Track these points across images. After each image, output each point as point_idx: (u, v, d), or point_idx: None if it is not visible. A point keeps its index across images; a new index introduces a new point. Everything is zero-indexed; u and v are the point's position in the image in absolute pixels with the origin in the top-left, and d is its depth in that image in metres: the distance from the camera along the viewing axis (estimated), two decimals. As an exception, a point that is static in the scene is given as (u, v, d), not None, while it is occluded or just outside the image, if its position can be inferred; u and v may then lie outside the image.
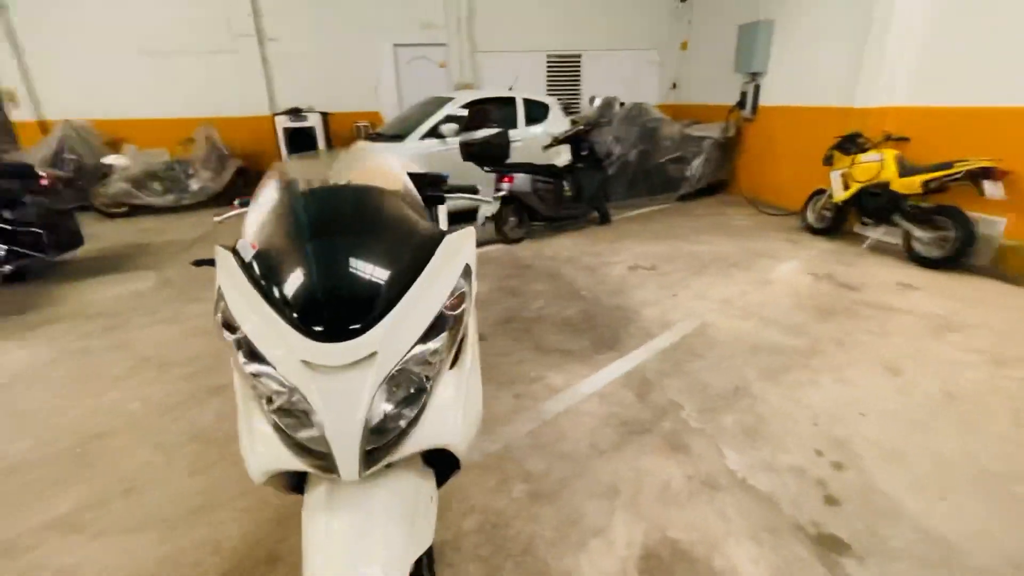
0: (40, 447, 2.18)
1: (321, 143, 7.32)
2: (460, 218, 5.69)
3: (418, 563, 1.23)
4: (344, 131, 7.73)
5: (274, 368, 0.96)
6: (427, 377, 1.06)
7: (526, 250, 4.86)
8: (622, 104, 7.03)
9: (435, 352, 1.06)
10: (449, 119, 5.40)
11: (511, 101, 6.06)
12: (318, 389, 0.94)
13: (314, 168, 1.14)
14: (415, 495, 1.14)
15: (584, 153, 5.53)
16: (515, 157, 5.40)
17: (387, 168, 1.38)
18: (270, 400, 0.98)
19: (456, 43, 8.03)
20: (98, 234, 5.56)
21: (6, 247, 3.85)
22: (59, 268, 4.48)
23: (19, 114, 7.12)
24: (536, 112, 6.28)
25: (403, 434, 1.03)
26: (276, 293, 0.99)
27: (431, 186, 1.70)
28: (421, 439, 1.06)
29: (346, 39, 7.69)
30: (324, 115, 7.37)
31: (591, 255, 4.65)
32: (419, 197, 1.45)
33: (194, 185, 7.06)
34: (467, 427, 1.15)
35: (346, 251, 1.03)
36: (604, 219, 5.80)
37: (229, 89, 7.49)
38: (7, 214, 3.96)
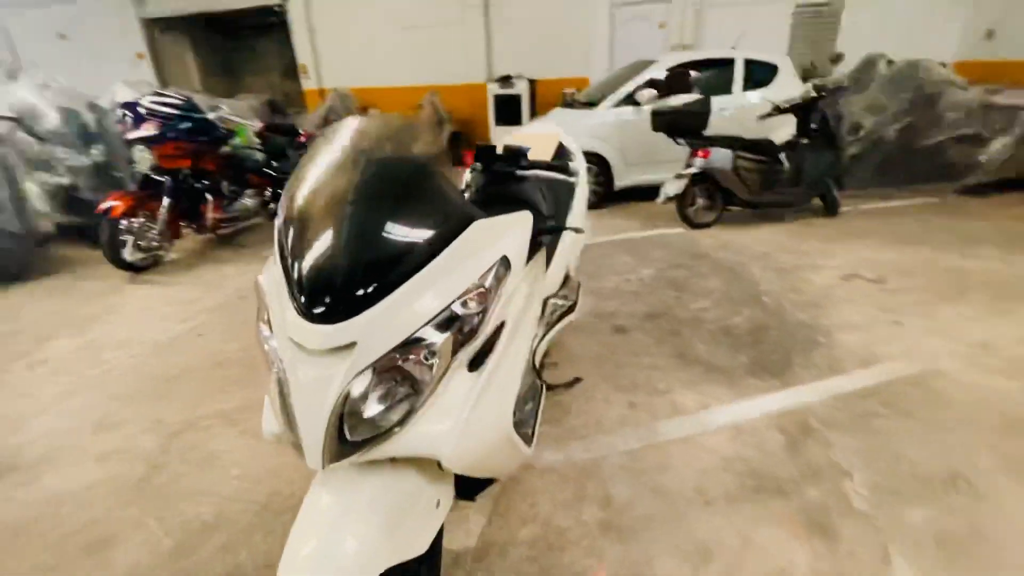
0: (244, 350, 2.76)
1: (526, 110, 7.52)
2: (639, 194, 5.26)
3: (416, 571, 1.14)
4: (553, 98, 7.78)
5: (274, 337, 0.95)
6: (422, 378, 0.93)
7: (710, 238, 4.22)
8: (890, 62, 5.44)
9: (434, 352, 0.92)
10: (650, 84, 4.91)
11: (728, 63, 5.22)
12: (298, 370, 0.90)
13: (356, 137, 1.07)
14: (412, 497, 1.03)
15: (814, 126, 4.46)
16: (726, 128, 4.70)
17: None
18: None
19: (681, -2, 7.23)
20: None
21: (271, 190, 4.93)
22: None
23: (308, 84, 9.01)
24: (760, 74, 5.30)
25: (389, 433, 0.93)
26: (288, 263, 0.96)
27: (505, 161, 1.48)
28: (406, 443, 0.94)
29: (565, 2, 7.60)
30: (531, 82, 7.51)
31: (793, 253, 3.79)
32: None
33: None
34: (467, 440, 0.99)
35: (352, 229, 0.93)
36: (830, 209, 4.67)
37: (454, 58, 8.17)
38: (274, 163, 5.06)
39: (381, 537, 0.96)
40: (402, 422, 0.93)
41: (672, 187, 4.31)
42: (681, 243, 4.12)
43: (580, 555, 1.50)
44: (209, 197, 4.20)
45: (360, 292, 0.88)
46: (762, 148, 4.39)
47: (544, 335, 1.85)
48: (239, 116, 6.04)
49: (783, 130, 4.79)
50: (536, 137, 2.37)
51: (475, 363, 1.05)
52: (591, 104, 5.28)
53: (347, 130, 1.09)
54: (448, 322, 0.94)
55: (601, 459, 1.86)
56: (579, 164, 2.35)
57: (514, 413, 1.45)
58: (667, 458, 1.85)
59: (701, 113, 4.15)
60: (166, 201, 3.92)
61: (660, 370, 2.40)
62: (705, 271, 3.53)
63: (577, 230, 1.75)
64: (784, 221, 4.57)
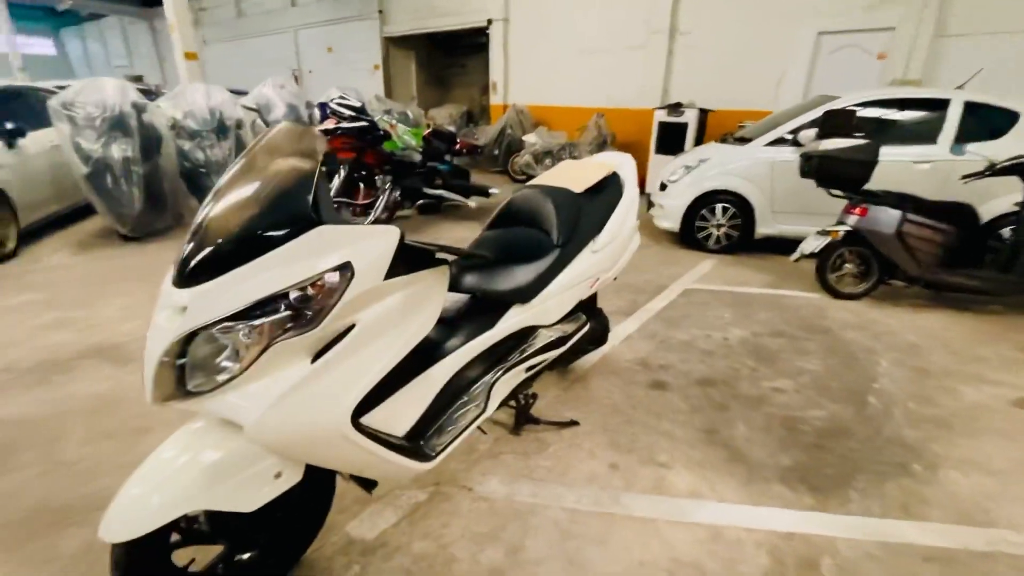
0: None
1: (690, 140, 7.09)
2: (784, 247, 4.56)
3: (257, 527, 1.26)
4: (728, 130, 7.21)
5: None
6: (236, 350, 1.04)
7: (847, 312, 3.48)
8: None
9: (250, 328, 1.02)
10: (818, 123, 4.23)
11: (941, 105, 4.20)
12: (153, 320, 1.08)
13: (261, 143, 1.22)
14: (248, 460, 1.15)
15: (1049, 196, 3.35)
16: (925, 185, 3.87)
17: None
18: None
19: (911, 25, 6.03)
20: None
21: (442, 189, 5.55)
22: (455, 211, 6.12)
23: (495, 99, 9.86)
24: (991, 123, 4.15)
25: (212, 392, 1.06)
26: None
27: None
28: (219, 404, 1.07)
29: (761, 29, 6.96)
30: (703, 112, 7.04)
31: (956, 356, 2.92)
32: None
33: (576, 165, 8.17)
34: (277, 418, 1.07)
35: (211, 217, 1.09)
36: (1054, 310, 3.45)
37: (629, 83, 8.11)
38: (429, 164, 5.71)
39: (203, 481, 1.10)
40: (221, 386, 1.05)
41: (811, 244, 3.66)
42: (803, 311, 3.48)
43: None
44: (361, 186, 4.95)
45: (199, 269, 1.03)
46: (952, 214, 3.44)
47: (523, 365, 1.79)
48: (414, 123, 6.95)
49: (1005, 198, 3.70)
50: (586, 165, 2.30)
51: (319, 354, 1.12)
52: (744, 140, 4.76)
53: (262, 137, 1.25)
54: (273, 308, 1.04)
55: (541, 507, 1.73)
56: (627, 199, 2.20)
57: (424, 423, 1.47)
58: (610, 533, 1.64)
59: (864, 163, 3.44)
60: (354, 183, 4.74)
61: (672, 441, 2.10)
62: (810, 348, 2.94)
63: (457, 257, 1.55)
64: (970, 311, 3.51)
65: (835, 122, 3.60)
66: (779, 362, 2.78)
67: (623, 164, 2.34)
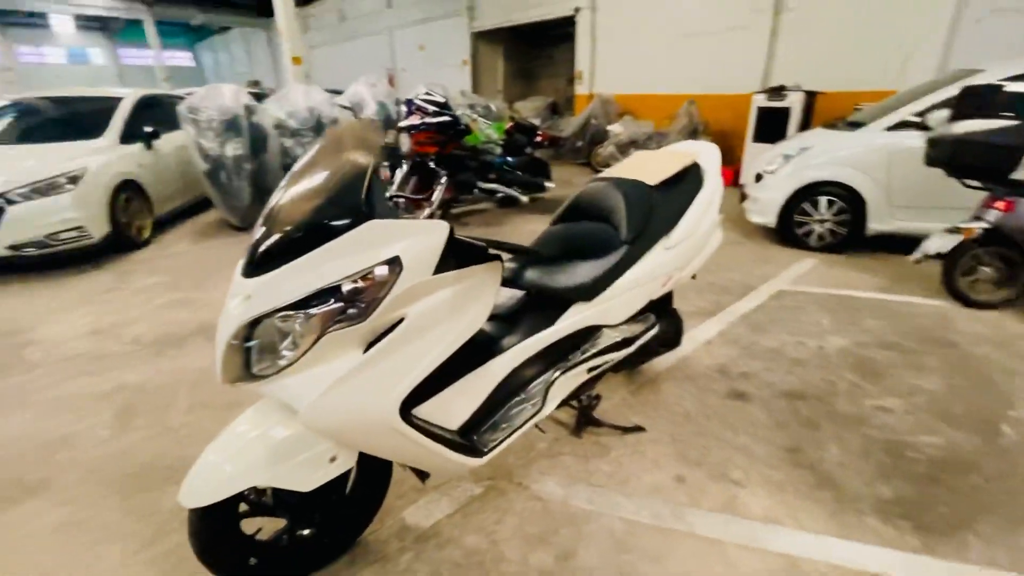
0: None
1: (794, 126, 6.45)
2: (901, 245, 4.02)
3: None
4: (842, 113, 6.47)
5: None
6: (294, 338, 1.08)
7: (981, 324, 2.98)
8: None
9: (307, 318, 1.06)
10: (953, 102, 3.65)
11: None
12: (227, 305, 1.16)
13: (324, 139, 1.25)
14: (306, 443, 1.21)
15: None
16: None
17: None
18: None
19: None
20: (576, 183, 7.14)
21: (495, 183, 5.60)
22: (535, 203, 6.09)
23: (580, 89, 9.66)
24: None
25: (273, 376, 1.12)
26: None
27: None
28: (278, 388, 1.12)
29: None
30: (810, 95, 6.38)
31: (1126, 380, 2.39)
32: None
33: (663, 156, 7.80)
34: (328, 404, 1.11)
35: (274, 213, 1.14)
36: None
37: (726, 67, 7.55)
38: (510, 159, 5.72)
39: (266, 458, 1.18)
40: (281, 371, 1.10)
41: (936, 243, 3.17)
42: (922, 320, 3.03)
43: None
44: (444, 180, 5.07)
45: (262, 261, 1.09)
46: None
47: (584, 365, 1.72)
48: (497, 116, 6.99)
49: None
50: (664, 155, 2.15)
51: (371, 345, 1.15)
52: (856, 125, 4.24)
53: (327, 134, 1.29)
54: (327, 300, 1.07)
55: (597, 515, 1.66)
56: (707, 192, 2.03)
57: (478, 418, 1.46)
58: (668, 551, 1.53)
59: (1012, 148, 2.91)
60: (410, 178, 4.92)
61: (749, 457, 1.92)
62: (929, 364, 2.55)
63: (517, 252, 1.51)
64: None
65: (975, 100, 3.08)
66: (887, 378, 2.44)
67: (705, 154, 2.16)
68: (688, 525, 1.62)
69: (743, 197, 4.91)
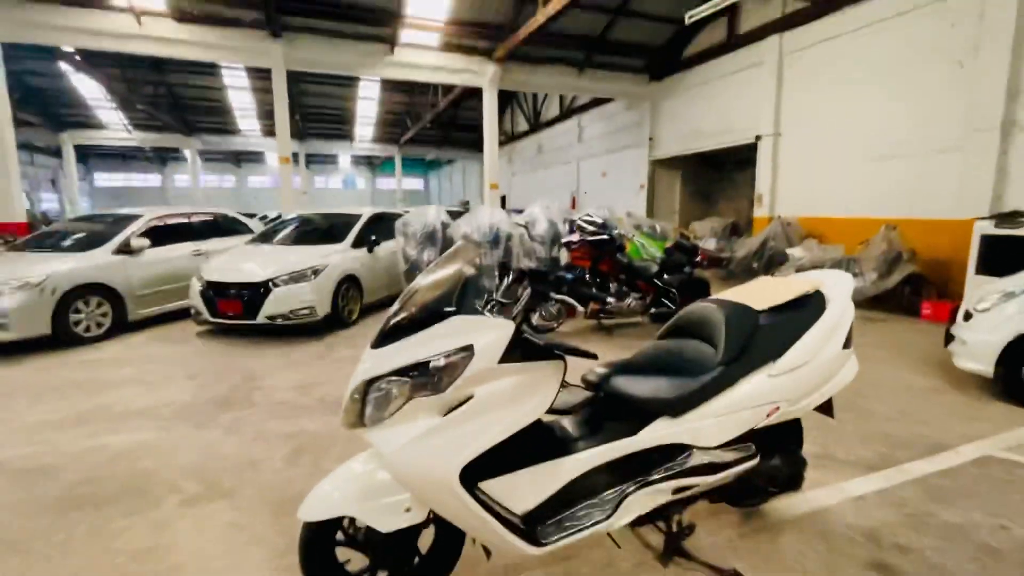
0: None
1: (1036, 258, 5.25)
2: None
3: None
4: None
5: None
6: (391, 399, 1.39)
7: None
8: None
9: (401, 384, 1.38)
10: None
11: None
12: (356, 369, 1.55)
13: (447, 254, 1.64)
14: (389, 489, 1.48)
15: None
16: None
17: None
18: None
19: None
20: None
21: (653, 296, 5.68)
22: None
23: (760, 211, 9.41)
24: None
25: (374, 426, 1.44)
26: None
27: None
28: (375, 437, 1.42)
29: None
30: (1058, 222, 5.20)
31: None
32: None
33: (856, 284, 6.97)
34: (404, 457, 1.38)
35: (403, 305, 1.53)
36: None
37: (937, 190, 6.69)
38: (666, 275, 5.80)
39: (360, 494, 1.48)
40: (380, 423, 1.42)
41: None
42: None
43: None
44: (594, 291, 5.38)
45: (381, 339, 1.46)
46: None
47: (668, 483, 1.69)
48: (662, 236, 7.25)
49: None
50: (784, 282, 2.11)
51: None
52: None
53: (449, 251, 1.68)
54: (418, 373, 1.38)
55: (660, 656, 1.51)
56: (828, 321, 1.91)
57: (546, 509, 1.57)
58: None
59: None
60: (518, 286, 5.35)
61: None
62: None
63: (565, 354, 1.55)
64: None
65: None
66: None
67: (832, 282, 2.05)
68: None
69: (949, 339, 4.11)
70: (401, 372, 1.40)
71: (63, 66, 14.74)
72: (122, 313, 5.44)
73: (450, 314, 1.39)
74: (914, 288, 6.76)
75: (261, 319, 5.17)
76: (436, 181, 33.96)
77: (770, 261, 8.22)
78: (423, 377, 1.38)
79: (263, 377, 4.12)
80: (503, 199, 21.25)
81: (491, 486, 1.52)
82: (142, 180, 31.05)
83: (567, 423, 1.82)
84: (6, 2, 8.03)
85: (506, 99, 20.53)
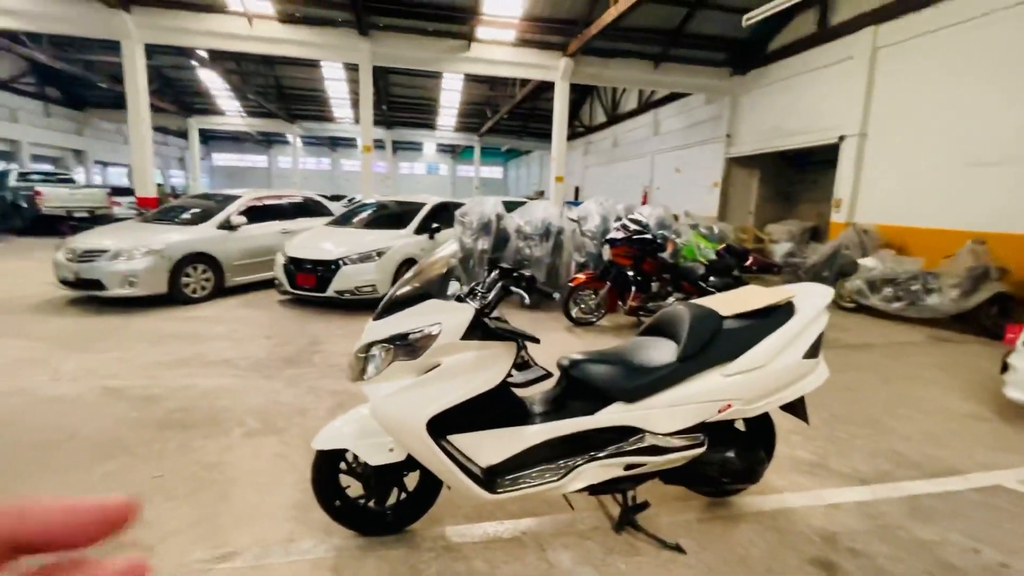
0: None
1: None
2: None
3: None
4: None
5: None
6: (384, 360, 1.79)
7: None
8: None
9: (387, 349, 1.77)
10: None
11: None
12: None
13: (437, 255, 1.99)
14: (379, 431, 1.89)
15: None
16: None
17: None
18: None
19: None
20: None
21: (698, 297, 5.70)
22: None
23: (837, 217, 8.87)
24: None
25: (370, 381, 1.84)
26: None
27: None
28: (371, 391, 1.82)
29: None
30: None
31: None
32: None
33: (931, 299, 6.50)
34: (385, 406, 1.76)
35: (397, 291, 1.91)
36: None
37: (1039, 203, 6.01)
38: (712, 278, 5.78)
39: (357, 432, 1.90)
40: (372, 379, 1.82)
41: None
42: None
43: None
44: (633, 289, 5.52)
45: (379, 314, 1.86)
46: None
47: (618, 460, 1.96)
48: (718, 238, 7.17)
49: None
50: (763, 292, 2.25)
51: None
52: None
53: (431, 258, 2.03)
54: (399, 342, 1.76)
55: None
56: (790, 328, 2.05)
57: (507, 466, 1.90)
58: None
59: None
60: (607, 285, 5.55)
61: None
62: None
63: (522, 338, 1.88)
64: None
65: None
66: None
67: (807, 294, 2.17)
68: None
69: (1005, 367, 3.84)
70: (388, 341, 1.78)
71: (192, 62, 16.82)
72: (221, 279, 6.41)
73: (427, 298, 1.76)
74: (1001, 309, 6.16)
75: (330, 293, 5.87)
76: (514, 170, 34.52)
77: (841, 270, 7.78)
78: (404, 345, 1.76)
79: (324, 343, 4.76)
80: (576, 190, 21.28)
81: (460, 440, 1.88)
82: (251, 161, 34.54)
83: (537, 399, 2.12)
84: (151, 11, 9.47)
85: (585, 91, 20.46)
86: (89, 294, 5.71)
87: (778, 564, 2.02)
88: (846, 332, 6.04)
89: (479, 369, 1.79)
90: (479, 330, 1.76)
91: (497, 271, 2.03)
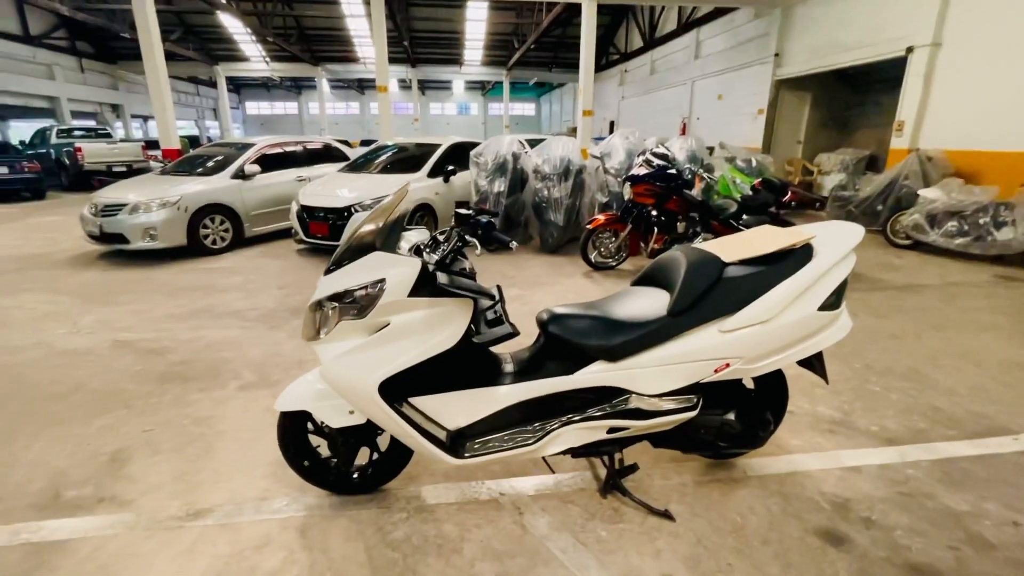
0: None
1: None
2: None
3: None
4: None
5: None
6: (331, 319, 1.64)
7: None
8: None
9: (332, 308, 1.62)
10: None
11: None
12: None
13: (386, 200, 1.75)
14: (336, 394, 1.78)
15: None
16: None
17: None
18: None
19: None
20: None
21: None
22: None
23: (899, 142, 7.93)
24: None
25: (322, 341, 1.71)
26: None
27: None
28: (321, 351, 1.69)
29: None
30: None
31: None
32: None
33: (1003, 235, 5.80)
34: (334, 367, 1.65)
35: (345, 244, 1.72)
36: None
37: None
38: (746, 217, 5.30)
39: (318, 394, 1.79)
40: (324, 339, 1.67)
41: None
42: None
43: None
44: (656, 230, 5.14)
45: (329, 269, 1.68)
46: None
47: (601, 422, 1.79)
48: (757, 171, 6.57)
49: None
50: (780, 232, 1.92)
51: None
52: None
53: (377, 208, 1.81)
54: (345, 300, 1.59)
55: (559, 564, 1.69)
56: (804, 276, 1.74)
57: (477, 428, 1.76)
58: None
59: None
60: (628, 227, 5.19)
61: (780, 605, 1.56)
62: None
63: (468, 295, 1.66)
64: None
65: None
66: None
67: (830, 235, 1.83)
68: None
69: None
70: (335, 298, 1.62)
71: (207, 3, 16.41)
72: (239, 230, 6.44)
73: (372, 250, 1.56)
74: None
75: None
76: (547, 106, 32.93)
77: (899, 203, 7.01)
78: (351, 303, 1.59)
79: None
80: (611, 124, 20.08)
81: (424, 402, 1.74)
82: (283, 108, 34.47)
83: (513, 357, 1.95)
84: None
85: (621, 14, 18.82)
86: (115, 247, 5.86)
87: (776, 535, 1.83)
88: (896, 272, 5.50)
89: (432, 328, 1.61)
90: (428, 286, 1.56)
91: (453, 217, 1.80)
